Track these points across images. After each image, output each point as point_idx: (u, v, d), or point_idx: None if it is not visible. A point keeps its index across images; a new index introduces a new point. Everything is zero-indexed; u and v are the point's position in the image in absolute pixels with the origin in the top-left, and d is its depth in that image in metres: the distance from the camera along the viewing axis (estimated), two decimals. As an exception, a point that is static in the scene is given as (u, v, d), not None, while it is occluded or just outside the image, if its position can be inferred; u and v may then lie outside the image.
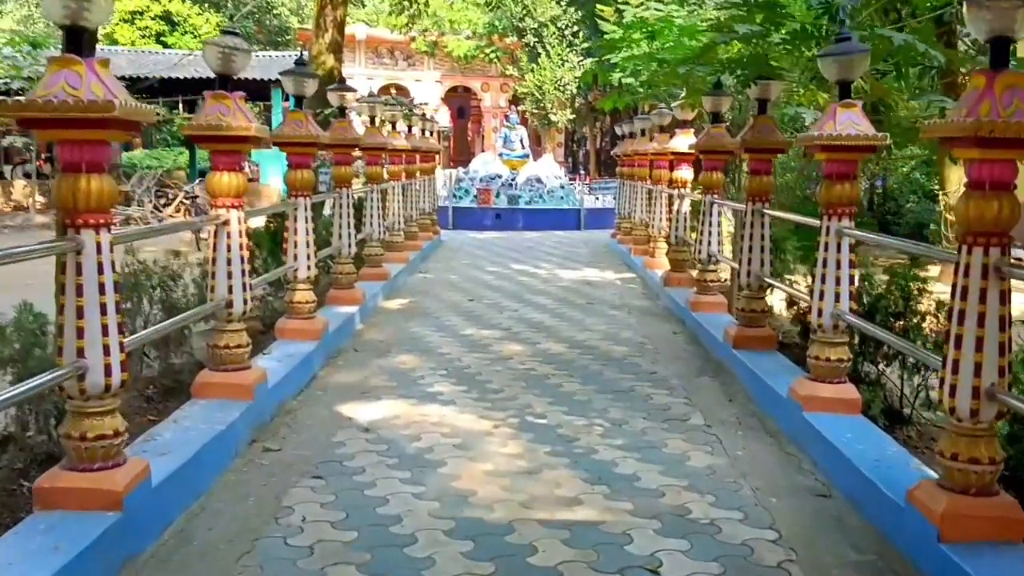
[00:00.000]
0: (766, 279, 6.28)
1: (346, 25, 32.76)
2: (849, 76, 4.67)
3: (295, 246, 6.41)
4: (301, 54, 7.62)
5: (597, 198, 19.73)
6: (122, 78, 20.14)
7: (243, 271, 4.84)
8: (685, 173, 9.41)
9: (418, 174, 13.00)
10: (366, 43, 32.16)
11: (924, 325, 5.05)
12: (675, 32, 14.06)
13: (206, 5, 27.96)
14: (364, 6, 41.71)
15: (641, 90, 15.54)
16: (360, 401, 5.51)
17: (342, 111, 9.19)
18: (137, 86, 19.72)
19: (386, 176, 11.73)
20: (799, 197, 16.91)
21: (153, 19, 27.47)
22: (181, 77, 20.54)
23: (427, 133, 14.43)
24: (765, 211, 6.24)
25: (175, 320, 4.78)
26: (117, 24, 27.59)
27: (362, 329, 7.71)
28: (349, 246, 7.98)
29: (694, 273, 8.55)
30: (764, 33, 5.92)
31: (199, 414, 4.48)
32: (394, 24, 25.89)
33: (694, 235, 10.46)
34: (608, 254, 14.14)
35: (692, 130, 9.49)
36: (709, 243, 7.88)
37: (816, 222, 5.07)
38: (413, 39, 27.32)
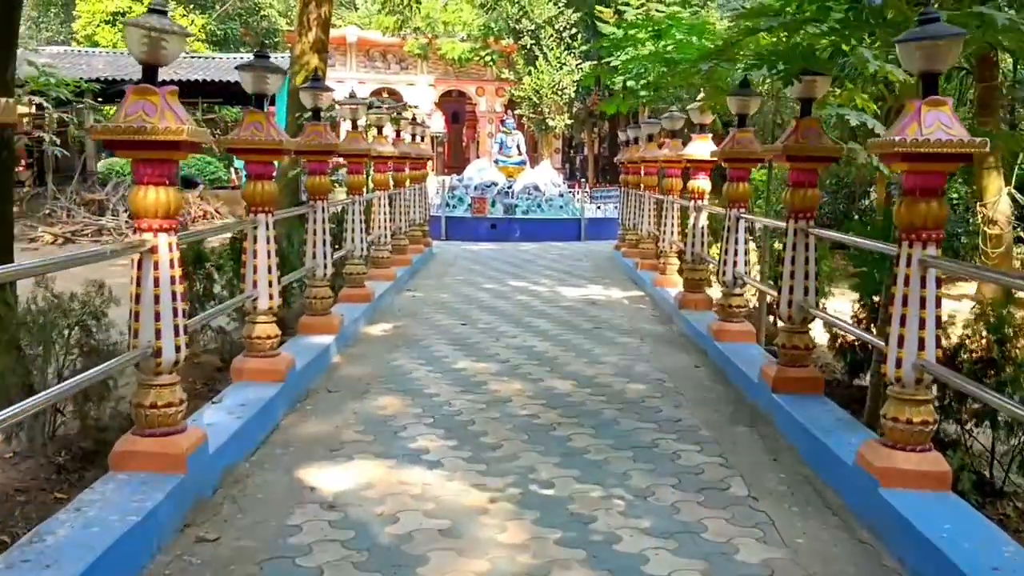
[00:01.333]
0: (812, 310, 5.32)
1: (337, 28, 31.80)
2: (937, 66, 3.72)
3: (254, 271, 5.44)
4: (263, 46, 6.36)
5: (599, 207, 18.78)
6: (98, 80, 19.19)
7: (176, 310, 3.85)
8: (702, 183, 8.45)
9: (407, 183, 12.03)
10: (357, 46, 31.17)
11: None
12: (683, 30, 13.16)
13: (191, 6, 26.96)
14: (356, 9, 40.80)
15: (644, 93, 14.64)
16: (327, 463, 4.53)
17: (316, 114, 8.24)
18: (113, 89, 18.73)
19: (371, 186, 10.77)
20: (829, 212, 16.00)
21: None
22: (164, 79, 19.49)
23: (417, 138, 13.46)
24: (811, 230, 5.28)
25: (92, 373, 3.78)
26: (99, 26, 26.61)
27: (338, 363, 6.73)
28: (325, 267, 7.00)
29: (716, 296, 7.60)
30: (812, 18, 4.96)
31: (112, 497, 3.50)
32: (386, 26, 24.92)
33: (713, 252, 9.53)
34: (612, 268, 13.17)
35: (710, 135, 8.53)
36: (735, 263, 6.92)
37: (888, 248, 4.12)
38: (405, 39, 26.27)
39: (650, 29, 13.83)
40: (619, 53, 14.41)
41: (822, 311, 5.47)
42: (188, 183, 22.87)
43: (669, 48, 13.30)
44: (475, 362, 6.83)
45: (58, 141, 17.75)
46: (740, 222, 6.90)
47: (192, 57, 22.14)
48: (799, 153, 5.22)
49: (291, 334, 6.76)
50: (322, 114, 7.58)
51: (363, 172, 8.64)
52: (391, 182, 10.76)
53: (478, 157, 27.84)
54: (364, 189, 8.77)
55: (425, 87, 32.37)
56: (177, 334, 3.85)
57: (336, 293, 8.19)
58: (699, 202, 8.46)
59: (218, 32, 28.15)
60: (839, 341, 6.16)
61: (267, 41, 27.12)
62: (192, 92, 19.09)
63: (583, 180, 25.48)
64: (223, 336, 6.29)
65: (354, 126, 8.64)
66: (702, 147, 8.37)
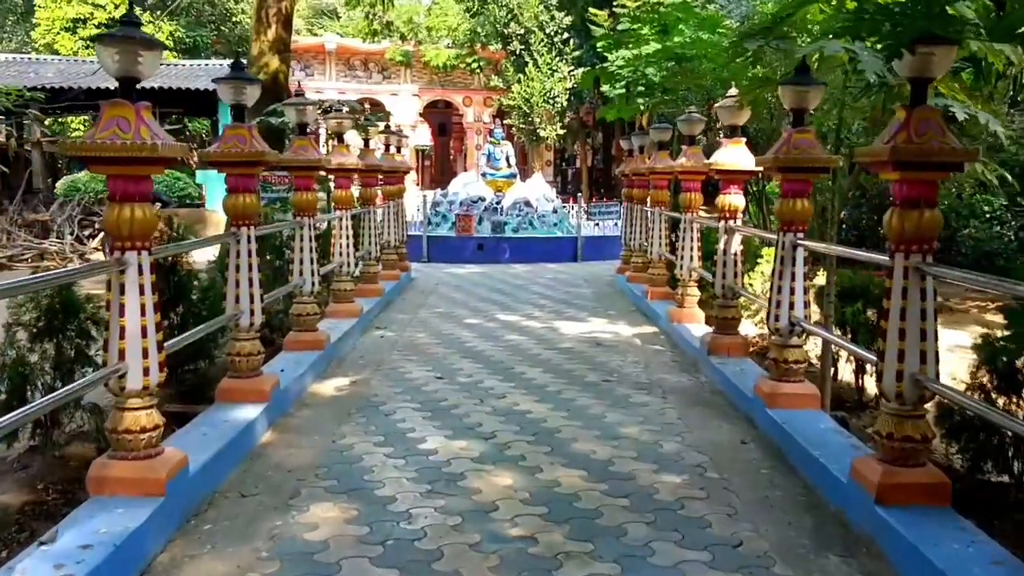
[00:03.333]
0: (934, 386, 3.66)
1: (316, 36, 30.22)
2: None
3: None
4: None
5: (597, 224, 17.13)
6: (42, 89, 17.43)
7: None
8: (736, 198, 6.81)
9: (378, 200, 10.36)
10: (337, 54, 29.54)
11: None
12: (694, 24, 11.54)
13: (158, 13, 25.30)
14: (338, 18, 39.20)
15: (644, 99, 13.01)
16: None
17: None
18: (61, 98, 17.00)
19: (332, 205, 9.10)
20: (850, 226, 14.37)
21: (98, 27, 24.70)
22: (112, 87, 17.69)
23: (392, 148, 11.80)
24: (933, 269, 3.63)
25: None
26: (58, 33, 24.88)
27: (267, 443, 5.04)
28: (252, 313, 5.31)
29: (747, 331, 5.95)
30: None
31: None
32: (365, 32, 23.27)
33: (749, 282, 7.88)
34: (616, 296, 11.49)
35: (743, 140, 6.88)
36: (792, 304, 5.26)
37: None
38: (380, 39, 24.54)
39: (655, 24, 12.24)
40: (619, 52, 12.82)
41: (951, 389, 3.80)
42: (157, 201, 21.16)
43: (678, 44, 11.74)
44: (450, 439, 5.15)
45: (-4, 155, 16.08)
46: (798, 251, 5.24)
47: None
48: (915, 158, 3.58)
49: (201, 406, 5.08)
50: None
51: (312, 188, 6.94)
52: (356, 200, 9.08)
53: (466, 170, 26.17)
54: (315, 209, 7.07)
55: (409, 97, 30.76)
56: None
57: (272, 342, 6.53)
58: (732, 222, 6.81)
59: (187, 39, 26.47)
60: (951, 418, 4.50)
61: (240, 49, 25.48)
62: (149, 100, 17.38)
63: (578, 194, 23.85)
64: (97, 417, 4.58)
65: (301, 132, 6.96)
66: (736, 154, 6.73)
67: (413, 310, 10.03)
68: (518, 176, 18.84)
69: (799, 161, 5.11)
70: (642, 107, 12.83)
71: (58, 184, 22.40)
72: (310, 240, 6.88)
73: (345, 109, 8.58)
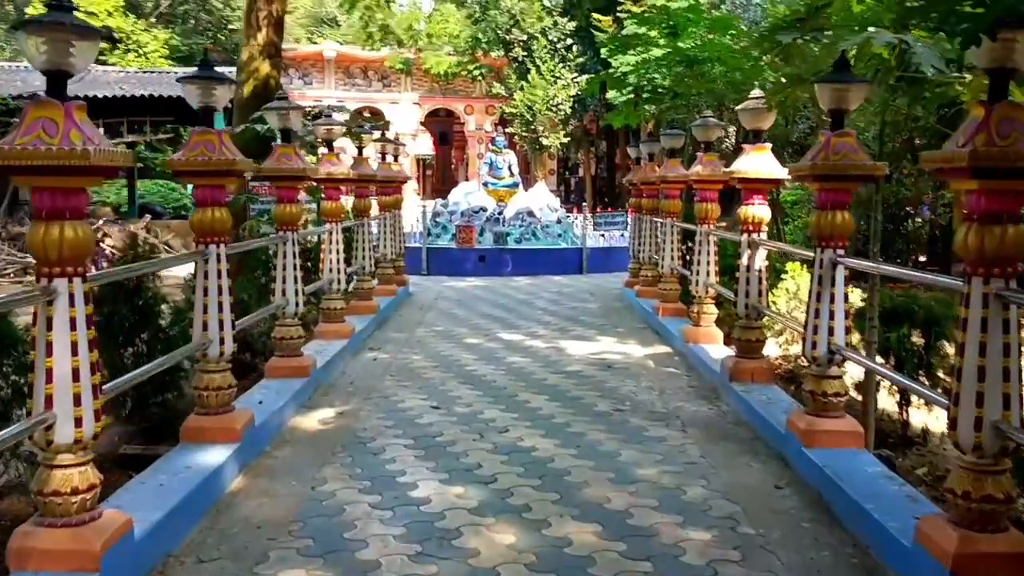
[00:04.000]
0: (1018, 435, 3.05)
1: (315, 43, 29.68)
2: None
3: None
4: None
5: (603, 235, 16.49)
6: (31, 96, 16.82)
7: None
8: (760, 209, 6.21)
9: (373, 211, 9.78)
10: (336, 62, 29.01)
11: None
12: (706, 25, 10.97)
13: (153, 20, 24.76)
14: (338, 26, 38.70)
15: (649, 106, 12.42)
16: None
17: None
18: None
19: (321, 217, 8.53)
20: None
21: (91, 35, 24.18)
22: (107, 95, 17.10)
23: (389, 157, 11.23)
24: (1019, 296, 3.03)
25: None
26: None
27: (237, 491, 4.43)
28: (222, 342, 4.72)
29: (805, 379, 5.39)
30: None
31: None
32: (363, 38, 22.71)
33: (772, 300, 7.27)
34: (626, 312, 10.88)
35: (768, 146, 6.28)
36: (831, 330, 4.65)
37: None
38: (378, 45, 23.89)
39: (664, 26, 11.68)
40: (625, 57, 12.25)
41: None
42: (149, 212, 20.64)
43: (688, 47, 11.17)
44: (445, 483, 4.54)
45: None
46: (838, 270, 4.64)
47: (146, 72, 19.87)
48: (999, 164, 2.98)
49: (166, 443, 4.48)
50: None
51: (296, 200, 6.36)
52: (347, 212, 8.50)
53: (467, 180, 25.57)
54: (299, 223, 6.48)
55: (410, 105, 30.21)
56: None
57: (254, 368, 5.95)
58: (756, 235, 6.21)
59: (183, 47, 25.93)
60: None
61: (236, 57, 24.93)
62: (140, 108, 16.80)
63: (582, 204, 23.25)
64: (31, 468, 3.98)
65: (285, 139, 6.38)
66: (760, 161, 6.13)
67: (410, 328, 9.43)
68: (521, 185, 18.26)
69: (840, 168, 4.50)
70: (649, 113, 12.27)
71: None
72: (294, 257, 6.28)
73: (337, 115, 7.98)
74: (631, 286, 11.85)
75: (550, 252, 15.65)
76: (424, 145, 32.25)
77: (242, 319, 5.21)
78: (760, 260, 6.25)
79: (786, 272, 7.29)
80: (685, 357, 7.73)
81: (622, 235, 16.77)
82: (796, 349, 6.99)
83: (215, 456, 4.40)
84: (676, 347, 8.16)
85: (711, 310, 7.86)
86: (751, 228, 6.21)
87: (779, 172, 6.12)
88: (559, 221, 16.32)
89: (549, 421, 5.77)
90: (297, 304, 6.31)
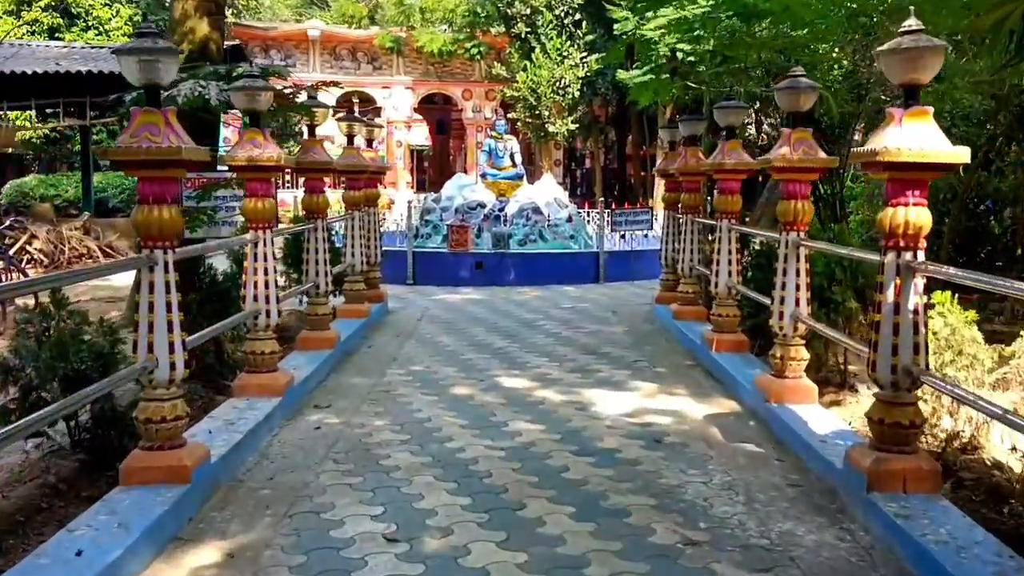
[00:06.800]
0: None
1: (299, 22, 27.15)
2: None
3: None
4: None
5: (622, 236, 14.08)
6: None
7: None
8: (917, 213, 3.81)
9: (328, 211, 7.39)
10: (321, 42, 26.55)
11: None
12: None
13: (118, -7, 22.40)
14: (328, 7, 36.17)
15: (689, 79, 9.97)
16: None
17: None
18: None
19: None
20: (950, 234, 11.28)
21: (45, 11, 21.75)
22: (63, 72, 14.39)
23: (358, 140, 8.85)
24: None
25: None
26: (0, 17, 21.95)
27: None
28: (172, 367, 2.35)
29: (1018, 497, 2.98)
30: None
31: None
32: (351, 14, 20.24)
33: (936, 349, 4.79)
34: (662, 340, 8.44)
35: (930, 111, 3.86)
36: None
37: None
38: (364, 21, 21.39)
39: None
40: (659, 14, 9.81)
41: None
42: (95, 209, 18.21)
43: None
44: None
45: None
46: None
47: (94, 48, 17.38)
48: None
49: None
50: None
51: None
52: (281, 210, 6.10)
53: (466, 172, 23.09)
54: (174, 237, 4.11)
55: (402, 91, 27.77)
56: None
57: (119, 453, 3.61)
58: (910, 255, 3.82)
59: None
60: None
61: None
62: (84, 87, 14.32)
63: (592, 198, 20.85)
64: None
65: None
66: (924, 135, 3.72)
67: (379, 368, 7.03)
68: (524, 177, 15.84)
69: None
70: (686, 86, 9.82)
71: (3, 189, 19.55)
72: (165, 286, 3.92)
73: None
74: (664, 302, 9.46)
75: (560, 257, 13.21)
76: (419, 135, 29.83)
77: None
78: (916, 295, 3.86)
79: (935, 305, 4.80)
80: (766, 424, 5.35)
81: (646, 236, 14.33)
82: (946, 422, 4.61)
83: None
84: (748, 403, 5.78)
85: (801, 354, 5.49)
86: (905, 243, 3.82)
87: (954, 152, 3.72)
88: (570, 219, 13.88)
89: (578, 573, 3.40)
90: (172, 365, 3.93)
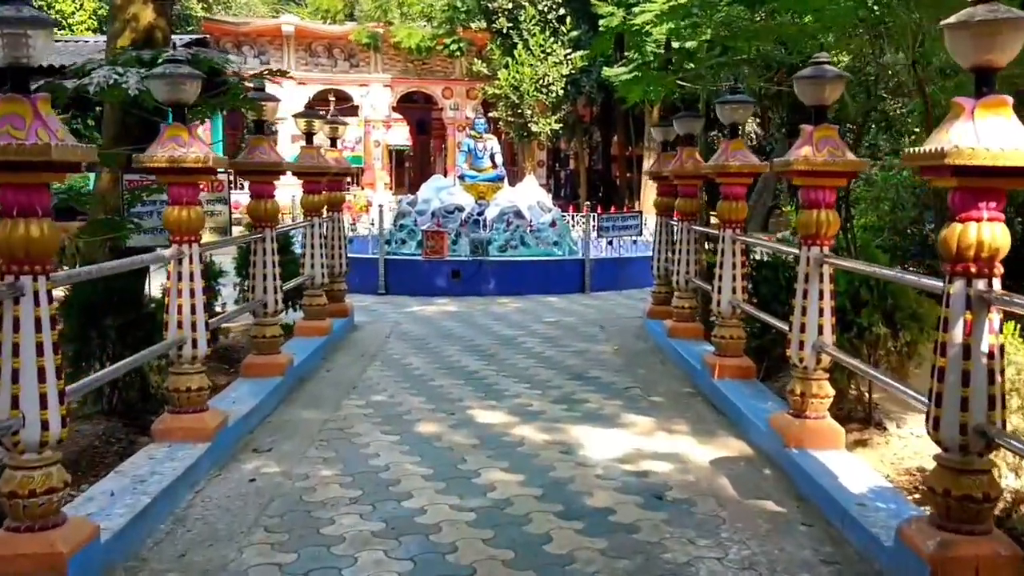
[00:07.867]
0: None
1: (273, 16, 26.12)
2: None
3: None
4: None
5: (609, 242, 13.26)
6: None
7: None
8: (996, 232, 3.00)
9: (279, 219, 6.53)
10: (296, 38, 25.61)
11: None
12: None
13: (82, -13, 21.36)
14: (304, 4, 35.18)
15: (673, 73, 9.17)
16: None
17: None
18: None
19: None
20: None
21: (3, 3, 20.74)
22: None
23: (319, 138, 7.98)
24: None
25: None
26: None
27: None
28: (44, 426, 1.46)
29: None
30: None
31: None
32: (325, 8, 19.33)
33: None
34: (656, 361, 7.61)
35: (1009, 100, 3.05)
36: None
37: None
38: (341, 16, 20.45)
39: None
40: (643, 5, 9.01)
41: None
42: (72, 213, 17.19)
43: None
44: None
45: None
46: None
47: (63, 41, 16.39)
48: None
49: None
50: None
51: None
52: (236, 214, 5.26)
53: (445, 173, 22.20)
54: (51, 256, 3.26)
55: (380, 89, 26.86)
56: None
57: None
58: (983, 284, 3.01)
59: (116, 19, 22.62)
60: None
61: (178, 30, 21.58)
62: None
63: (575, 200, 20.03)
64: None
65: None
66: (1000, 131, 2.90)
67: (335, 399, 6.16)
68: (505, 179, 15.00)
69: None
70: (681, 77, 8.99)
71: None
72: (34, 327, 3.06)
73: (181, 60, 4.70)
74: (657, 317, 8.64)
75: (543, 265, 12.36)
76: (399, 135, 28.92)
77: None
78: (991, 334, 3.05)
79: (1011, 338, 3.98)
80: (786, 475, 4.52)
81: (635, 242, 13.51)
82: (1010, 480, 3.81)
83: None
84: (761, 447, 4.96)
85: (825, 390, 4.68)
86: (978, 268, 3.01)
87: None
88: (554, 224, 13.04)
89: None
90: (43, 424, 3.07)
